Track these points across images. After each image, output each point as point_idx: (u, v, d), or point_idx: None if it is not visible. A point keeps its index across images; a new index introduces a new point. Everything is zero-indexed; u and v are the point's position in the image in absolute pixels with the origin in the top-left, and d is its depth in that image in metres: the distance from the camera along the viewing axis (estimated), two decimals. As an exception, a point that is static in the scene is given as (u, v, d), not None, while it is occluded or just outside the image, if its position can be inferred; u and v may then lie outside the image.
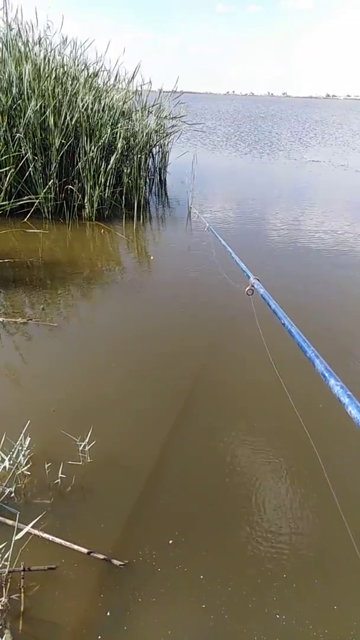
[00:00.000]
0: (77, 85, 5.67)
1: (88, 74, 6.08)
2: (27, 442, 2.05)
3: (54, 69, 5.56)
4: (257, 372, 2.83)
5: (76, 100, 5.50)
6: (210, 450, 2.28)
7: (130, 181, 6.36)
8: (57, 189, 5.76)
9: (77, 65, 6.08)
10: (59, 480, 2.00)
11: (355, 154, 14.89)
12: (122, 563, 1.68)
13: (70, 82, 5.66)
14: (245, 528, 1.87)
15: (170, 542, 1.79)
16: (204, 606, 1.58)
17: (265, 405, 2.60)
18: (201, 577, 1.67)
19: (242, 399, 2.68)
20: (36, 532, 1.75)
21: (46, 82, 5.32)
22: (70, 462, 2.09)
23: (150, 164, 7.52)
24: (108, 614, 1.54)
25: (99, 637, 1.47)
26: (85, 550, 1.70)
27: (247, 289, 1.81)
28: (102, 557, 1.69)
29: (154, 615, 1.55)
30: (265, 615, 1.57)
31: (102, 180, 5.77)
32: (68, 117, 5.39)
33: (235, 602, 1.60)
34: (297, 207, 7.51)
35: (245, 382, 2.84)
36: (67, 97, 5.42)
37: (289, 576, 1.70)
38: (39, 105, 5.17)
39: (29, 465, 2.02)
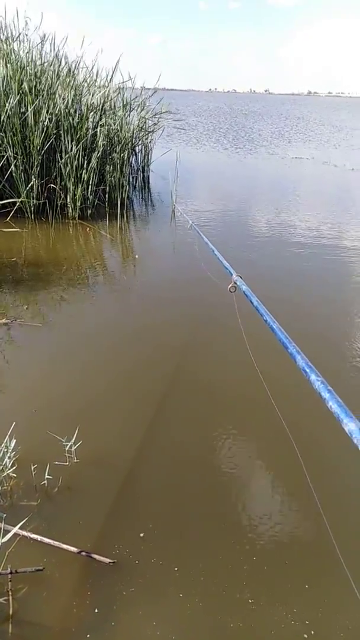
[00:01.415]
0: (57, 82, 5.62)
1: (68, 70, 6.03)
2: (12, 444, 2.03)
3: (33, 66, 5.50)
4: (239, 369, 2.84)
5: (56, 98, 5.45)
6: (194, 446, 2.30)
7: (113, 179, 6.33)
8: (40, 188, 5.70)
9: (58, 64, 6.02)
10: (45, 481, 1.99)
11: (336, 150, 15.02)
12: (111, 561, 1.68)
13: (50, 80, 5.60)
14: (234, 518, 1.89)
15: (149, 537, 1.80)
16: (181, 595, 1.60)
17: (247, 402, 2.62)
18: (175, 569, 1.69)
19: (224, 396, 2.70)
20: (24, 533, 1.74)
21: (25, 80, 5.26)
22: (56, 462, 2.08)
23: (133, 162, 7.50)
24: (96, 610, 1.54)
25: (88, 635, 1.47)
26: (75, 550, 1.70)
27: (229, 286, 1.82)
28: (92, 555, 1.69)
29: (139, 608, 1.56)
30: (238, 600, 1.59)
31: (85, 179, 5.74)
32: (47, 116, 5.33)
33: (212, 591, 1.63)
34: (281, 204, 7.56)
35: (228, 379, 2.86)
36: (47, 94, 5.37)
37: (259, 559, 1.73)
38: (16, 101, 5.09)
39: (14, 468, 2.00)
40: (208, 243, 2.53)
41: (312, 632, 1.51)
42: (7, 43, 5.64)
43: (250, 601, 1.59)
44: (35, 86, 5.36)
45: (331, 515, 1.83)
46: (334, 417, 0.91)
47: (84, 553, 1.70)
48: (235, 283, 1.81)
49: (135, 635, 1.49)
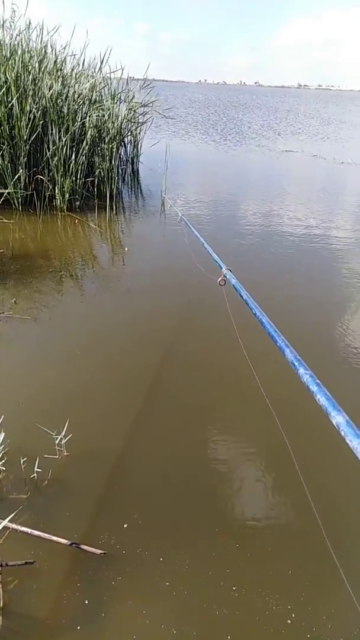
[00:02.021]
0: (44, 71, 5.53)
1: (55, 60, 5.94)
2: (0, 438, 2.03)
3: (20, 54, 5.40)
4: (230, 361, 2.86)
5: (42, 88, 5.36)
6: (183, 436, 2.32)
7: (102, 171, 6.27)
8: (27, 179, 5.63)
9: (45, 52, 5.92)
10: (35, 474, 1.98)
11: (324, 143, 15.04)
12: (102, 552, 1.69)
13: (37, 69, 5.51)
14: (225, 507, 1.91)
15: (135, 528, 1.81)
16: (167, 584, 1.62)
17: (238, 394, 2.64)
18: (161, 559, 1.71)
19: (215, 387, 2.72)
20: (13, 526, 1.74)
21: (11, 69, 5.17)
22: (46, 456, 2.07)
23: (122, 153, 7.43)
24: (86, 602, 1.55)
25: (78, 627, 1.48)
26: (65, 542, 1.70)
27: (219, 279, 1.82)
28: (82, 547, 1.70)
29: (128, 598, 1.57)
30: (222, 588, 1.62)
31: (73, 170, 5.67)
32: (34, 106, 5.25)
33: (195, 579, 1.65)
34: (270, 196, 7.57)
35: (218, 370, 2.87)
36: (34, 84, 5.28)
37: (242, 546, 1.76)
38: (2, 91, 5.01)
39: (3, 461, 2.00)
40: (198, 236, 2.53)
41: (293, 616, 1.54)
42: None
43: (233, 588, 1.62)
44: (22, 75, 5.27)
45: (319, 502, 1.86)
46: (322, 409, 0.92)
47: (74, 545, 1.71)
48: (224, 276, 1.81)
49: (125, 625, 1.50)
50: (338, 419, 0.87)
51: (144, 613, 1.53)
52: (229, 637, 1.48)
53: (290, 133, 17.48)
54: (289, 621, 1.53)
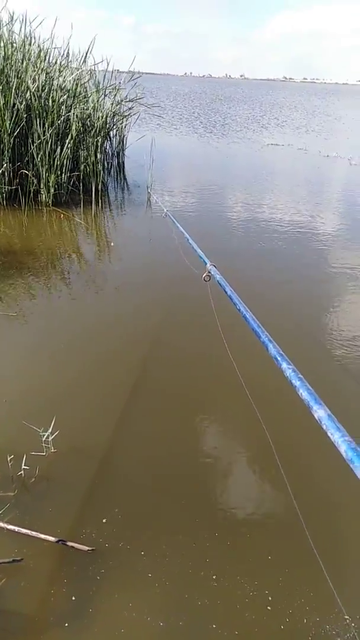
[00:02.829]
0: (28, 64, 5.45)
1: (39, 52, 5.85)
2: (-13, 436, 2.02)
3: (3, 46, 5.31)
4: (213, 357, 2.87)
5: (25, 80, 5.28)
6: (168, 431, 2.34)
7: (87, 165, 6.22)
8: (11, 174, 5.56)
9: (28, 44, 5.83)
10: (22, 472, 1.98)
11: (309, 136, 15.09)
12: (90, 548, 1.70)
13: (20, 61, 5.42)
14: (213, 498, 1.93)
15: (118, 523, 1.82)
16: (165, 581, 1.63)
17: (221, 389, 2.66)
18: (142, 552, 1.73)
19: (199, 382, 2.74)
20: (1, 524, 1.73)
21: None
22: (33, 453, 2.07)
23: (107, 147, 7.36)
24: (73, 598, 1.56)
25: (66, 624, 1.49)
26: (53, 539, 1.70)
27: (204, 275, 1.83)
28: (70, 544, 1.70)
29: (114, 593, 1.58)
30: (202, 578, 1.64)
31: (58, 165, 5.62)
32: (17, 100, 5.18)
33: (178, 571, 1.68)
34: (256, 189, 7.58)
35: (202, 366, 2.88)
36: (17, 76, 5.20)
37: (221, 535, 1.80)
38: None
39: (-10, 459, 1.99)
40: (183, 232, 2.53)
41: (270, 599, 1.58)
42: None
43: (213, 577, 1.65)
44: (5, 68, 5.18)
45: (298, 490, 1.93)
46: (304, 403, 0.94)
47: (61, 542, 1.71)
48: (209, 272, 1.82)
49: (112, 619, 1.51)
50: (320, 412, 0.89)
51: (130, 606, 1.54)
52: (214, 626, 1.50)
53: (275, 125, 17.50)
54: (269, 607, 1.56)
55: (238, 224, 5.66)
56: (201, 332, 3.18)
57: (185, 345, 3.10)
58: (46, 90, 5.55)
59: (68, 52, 6.42)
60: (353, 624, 1.52)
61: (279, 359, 1.10)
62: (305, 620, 1.53)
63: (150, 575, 1.64)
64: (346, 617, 1.53)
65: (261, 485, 2.07)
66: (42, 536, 1.71)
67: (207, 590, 1.61)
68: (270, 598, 1.59)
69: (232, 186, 8.00)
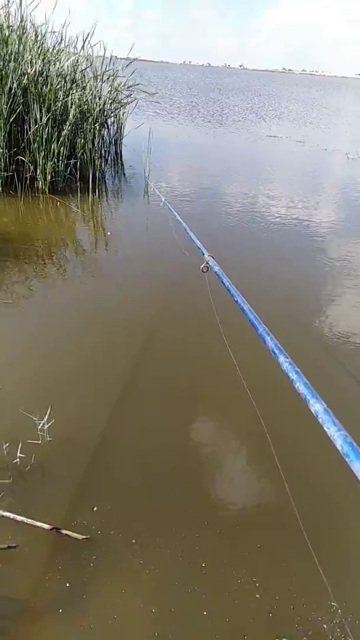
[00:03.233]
0: (24, 48, 5.36)
1: (36, 36, 5.75)
2: (-17, 423, 2.02)
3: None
4: (210, 347, 2.88)
5: (22, 65, 5.20)
6: (162, 420, 2.35)
7: (84, 153, 6.16)
8: (7, 159, 5.49)
9: (25, 28, 5.72)
10: (17, 459, 1.99)
11: (307, 129, 15.02)
12: (84, 537, 1.71)
13: (17, 45, 5.33)
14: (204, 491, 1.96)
15: (112, 511, 1.84)
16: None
17: (218, 381, 2.67)
18: (133, 541, 1.75)
19: (195, 374, 2.75)
20: (-4, 511, 1.75)
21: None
22: (29, 441, 2.08)
23: (105, 135, 7.29)
24: (67, 585, 1.58)
25: (60, 610, 1.51)
26: (47, 527, 1.72)
27: (202, 266, 1.83)
28: (65, 532, 1.72)
29: (107, 580, 1.61)
30: (192, 566, 1.67)
31: (55, 152, 5.56)
32: (15, 83, 5.10)
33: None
34: (253, 181, 7.55)
35: (199, 357, 2.89)
36: (15, 60, 5.12)
37: (212, 524, 1.82)
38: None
39: (-14, 446, 2.00)
40: (181, 221, 2.51)
41: (258, 585, 1.61)
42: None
43: (203, 565, 1.67)
44: (1, 51, 5.10)
45: (291, 479, 1.95)
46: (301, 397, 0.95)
47: (55, 530, 1.72)
48: (207, 263, 1.82)
49: (106, 606, 1.53)
50: (316, 406, 0.90)
51: (123, 593, 1.57)
52: (205, 613, 1.53)
53: (273, 117, 17.39)
54: (257, 595, 1.59)
55: (236, 215, 5.65)
56: (199, 323, 3.19)
57: (183, 337, 3.11)
58: (44, 75, 5.47)
59: (65, 37, 6.32)
60: (340, 611, 1.55)
61: (276, 352, 1.10)
62: (292, 607, 1.56)
63: (141, 562, 1.67)
64: (333, 603, 1.57)
65: (255, 477, 2.10)
66: (37, 524, 1.73)
67: (197, 578, 1.63)
68: (258, 585, 1.62)
69: (230, 176, 7.97)
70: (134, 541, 1.74)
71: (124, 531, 1.77)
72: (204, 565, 1.68)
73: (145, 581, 1.62)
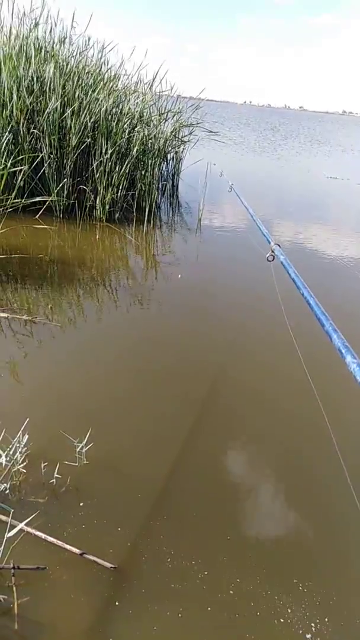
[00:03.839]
0: (99, 88, 5.72)
1: (110, 77, 6.14)
2: (24, 440, 2.07)
3: (77, 70, 5.62)
4: (282, 367, 2.83)
5: (94, 103, 5.54)
6: (209, 457, 2.30)
7: (143, 185, 6.40)
8: (70, 188, 5.80)
9: (99, 69, 6.13)
10: (54, 480, 2.01)
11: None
12: (112, 565, 1.69)
13: (92, 85, 5.71)
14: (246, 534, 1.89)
15: (163, 548, 1.81)
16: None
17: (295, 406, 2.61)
18: (194, 564, 1.69)
19: (265, 416, 2.69)
20: (29, 529, 1.77)
21: (68, 83, 5.39)
22: (66, 462, 2.10)
23: (164, 169, 7.56)
24: (91, 611, 1.56)
25: (84, 637, 1.49)
26: (77, 551, 1.72)
27: (267, 254, 1.73)
28: (93, 558, 1.71)
29: (135, 612, 1.56)
30: (230, 612, 1.59)
31: (116, 183, 5.81)
32: (87, 119, 5.44)
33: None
34: (311, 222, 7.53)
35: (274, 389, 2.85)
36: (87, 99, 5.47)
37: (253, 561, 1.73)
38: (58, 103, 5.22)
39: (25, 463, 2.04)
40: (248, 208, 2.47)
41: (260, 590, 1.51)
42: (57, 45, 5.79)
43: (251, 604, 1.59)
44: (78, 89, 5.47)
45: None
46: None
47: (84, 555, 1.72)
48: (272, 252, 1.72)
49: (135, 635, 1.50)
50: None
51: (154, 628, 1.52)
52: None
53: (335, 158, 17.41)
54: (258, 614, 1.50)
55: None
56: (273, 350, 3.15)
57: (245, 364, 3.08)
58: (114, 113, 5.80)
59: (137, 78, 6.71)
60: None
61: (343, 350, 1.01)
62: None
63: (170, 597, 1.62)
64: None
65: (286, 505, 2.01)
66: (67, 547, 1.73)
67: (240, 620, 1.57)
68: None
69: (289, 214, 7.99)
70: (164, 576, 1.70)
71: (155, 564, 1.74)
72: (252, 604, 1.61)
73: (174, 619, 1.57)
